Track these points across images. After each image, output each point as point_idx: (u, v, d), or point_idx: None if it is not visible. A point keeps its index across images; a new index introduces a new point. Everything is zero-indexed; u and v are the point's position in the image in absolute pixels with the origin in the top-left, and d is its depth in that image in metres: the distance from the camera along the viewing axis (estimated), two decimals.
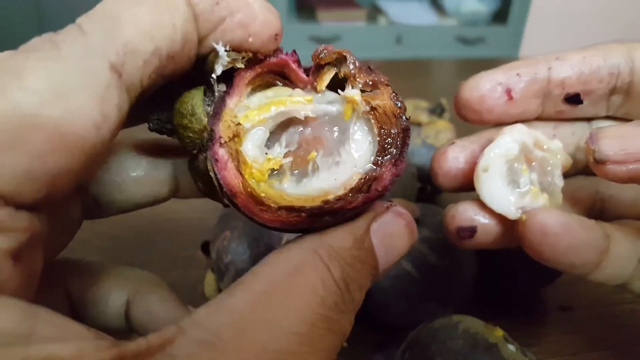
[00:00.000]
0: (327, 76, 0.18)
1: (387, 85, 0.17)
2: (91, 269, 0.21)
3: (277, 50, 0.17)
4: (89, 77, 0.14)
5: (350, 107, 0.17)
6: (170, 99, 0.17)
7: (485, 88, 0.25)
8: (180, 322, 0.14)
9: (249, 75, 0.17)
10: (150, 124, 0.18)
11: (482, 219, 0.24)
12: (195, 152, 0.17)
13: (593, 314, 0.39)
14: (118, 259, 0.42)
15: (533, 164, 0.24)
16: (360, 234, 0.17)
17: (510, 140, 0.23)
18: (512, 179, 0.23)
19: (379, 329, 0.36)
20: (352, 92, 0.17)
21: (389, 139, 0.17)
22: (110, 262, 0.22)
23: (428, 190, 0.47)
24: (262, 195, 0.16)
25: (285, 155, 0.17)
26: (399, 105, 0.17)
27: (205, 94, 0.17)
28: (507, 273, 0.37)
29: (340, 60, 0.17)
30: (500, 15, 2.01)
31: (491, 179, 0.23)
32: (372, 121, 0.17)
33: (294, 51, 0.18)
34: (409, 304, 0.33)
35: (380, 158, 0.17)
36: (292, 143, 0.18)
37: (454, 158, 0.25)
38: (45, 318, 0.13)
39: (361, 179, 0.17)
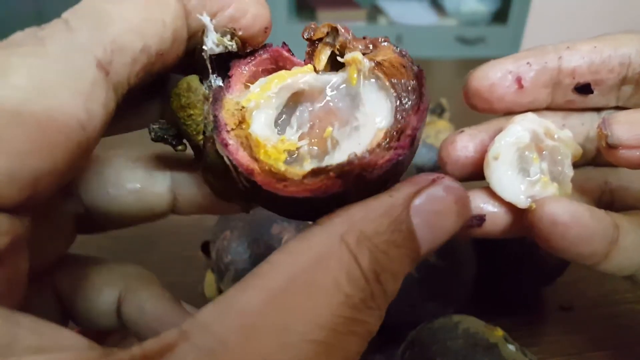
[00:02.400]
0: (324, 54, 0.17)
1: (386, 41, 0.17)
2: (81, 264, 0.21)
3: (267, 46, 0.17)
4: (74, 74, 0.13)
5: (354, 69, 0.16)
6: (163, 107, 0.17)
7: (496, 76, 0.24)
8: (184, 325, 0.13)
9: (245, 74, 0.17)
10: (152, 134, 0.17)
11: (491, 208, 0.24)
12: (201, 138, 0.16)
13: (593, 314, 0.39)
14: (118, 258, 0.42)
15: (544, 153, 0.24)
16: (398, 214, 0.15)
17: (521, 129, 0.23)
18: (522, 167, 0.23)
19: (379, 329, 0.36)
20: (353, 54, 0.16)
21: (403, 89, 0.16)
22: (100, 256, 0.21)
23: None
24: (283, 169, 0.15)
25: (300, 138, 0.16)
26: (404, 54, 0.16)
27: (200, 80, 0.16)
28: (507, 273, 0.37)
29: (333, 33, 0.17)
30: (500, 15, 2.01)
31: (501, 167, 0.23)
32: (381, 76, 0.16)
33: (284, 43, 0.17)
34: (409, 304, 0.33)
35: (400, 108, 0.16)
36: (303, 123, 0.17)
37: (463, 147, 0.24)
38: (28, 326, 0.12)
39: (386, 132, 0.16)
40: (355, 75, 0.16)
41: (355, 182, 0.15)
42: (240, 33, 0.17)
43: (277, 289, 0.13)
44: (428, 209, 0.15)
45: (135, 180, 0.19)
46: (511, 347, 0.26)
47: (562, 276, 0.38)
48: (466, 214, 0.17)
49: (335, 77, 0.17)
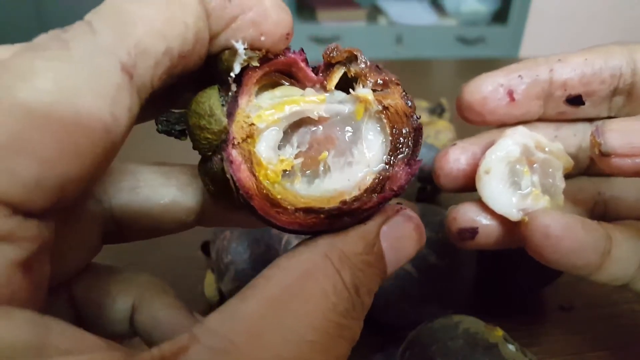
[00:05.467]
0: (337, 75, 0.17)
1: (398, 84, 0.17)
2: (96, 272, 0.21)
3: (285, 49, 0.17)
4: (100, 78, 0.13)
5: (362, 106, 0.17)
6: (172, 99, 0.17)
7: (487, 90, 0.25)
8: (193, 330, 0.14)
9: (258, 74, 0.17)
10: (159, 126, 0.17)
11: (483, 220, 0.24)
12: (210, 153, 0.16)
13: (593, 314, 0.39)
14: (118, 258, 0.42)
15: (534, 165, 0.24)
16: (371, 238, 0.17)
17: (511, 143, 0.23)
18: (513, 180, 0.23)
19: (379, 329, 0.36)
20: (365, 92, 0.17)
21: (401, 139, 0.17)
22: (116, 264, 0.22)
23: (428, 190, 0.47)
24: (278, 196, 0.16)
25: (296, 156, 0.17)
26: (409, 104, 0.17)
27: (219, 93, 0.16)
28: (507, 273, 0.37)
29: (351, 59, 0.17)
30: (500, 16, 2.01)
31: (493, 180, 0.23)
32: (385, 120, 0.17)
33: (302, 49, 0.17)
34: (409, 304, 0.33)
35: (393, 157, 0.17)
36: (303, 143, 0.17)
37: (455, 159, 0.25)
38: (58, 329, 0.13)
39: (375, 178, 0.17)
40: (362, 112, 0.17)
41: (339, 223, 0.17)
42: (262, 39, 0.16)
43: (274, 298, 0.15)
44: (393, 234, 0.17)
45: (168, 195, 0.20)
46: (511, 347, 0.26)
47: (562, 276, 0.38)
48: (422, 239, 0.19)
49: (344, 109, 0.17)
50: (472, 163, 0.25)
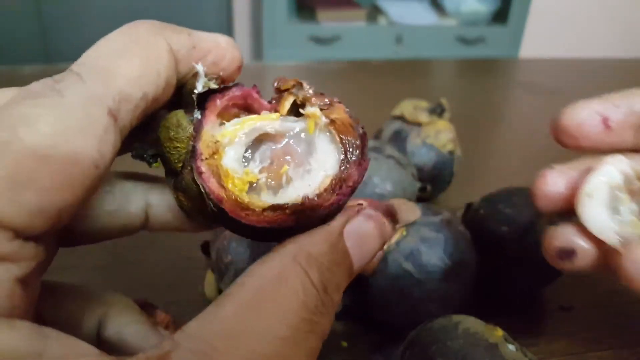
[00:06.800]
0: (287, 102, 0.20)
1: (340, 103, 0.20)
2: (63, 291, 0.22)
3: (240, 84, 0.20)
4: (90, 122, 0.16)
5: (312, 121, 0.20)
6: (146, 131, 0.19)
7: (583, 116, 0.26)
8: (174, 337, 0.15)
9: (218, 107, 0.19)
10: (133, 152, 0.20)
11: (581, 243, 0.25)
12: (180, 166, 0.19)
13: (593, 314, 0.39)
14: (118, 258, 0.42)
15: (634, 194, 0.24)
16: (335, 238, 0.19)
17: (614, 169, 0.24)
18: (614, 206, 0.24)
19: (379, 329, 0.36)
20: (313, 110, 0.20)
21: (350, 145, 0.19)
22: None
23: (428, 190, 0.47)
24: (246, 200, 0.18)
25: (260, 171, 0.20)
26: (353, 117, 0.20)
27: (185, 114, 0.19)
28: (507, 273, 0.37)
29: (298, 87, 0.20)
30: (500, 15, 2.01)
31: (594, 204, 0.24)
32: (333, 131, 0.20)
33: (255, 85, 0.20)
34: (409, 304, 0.33)
35: (345, 161, 0.19)
36: (264, 159, 0.20)
37: (553, 183, 0.26)
38: (55, 337, 0.15)
39: (332, 180, 0.19)
40: (313, 127, 0.20)
41: (304, 218, 0.18)
42: (221, 74, 0.20)
43: (248, 301, 0.16)
44: (356, 233, 0.19)
45: (113, 203, 0.21)
46: (511, 347, 0.26)
47: (562, 276, 0.38)
48: (384, 235, 0.20)
49: (296, 125, 0.20)
50: (569, 187, 0.25)
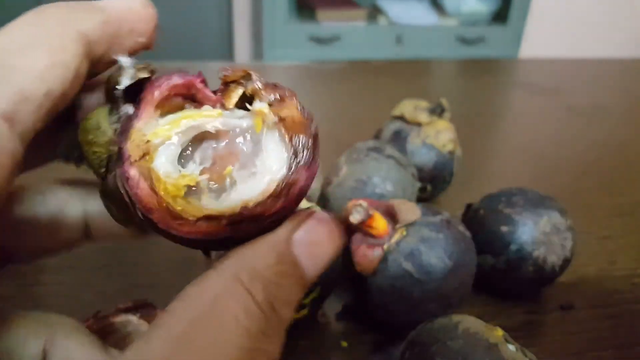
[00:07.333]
0: (235, 94, 0.18)
1: (293, 96, 0.18)
2: (3, 318, 0.20)
3: (182, 72, 0.18)
4: None
5: (260, 119, 0.18)
6: (70, 125, 0.17)
7: None
8: None
9: (156, 98, 0.17)
10: (59, 152, 0.18)
11: None
12: (103, 171, 0.17)
13: (593, 314, 0.39)
14: (118, 258, 0.42)
15: None
16: (282, 248, 0.17)
17: None
18: None
19: (379, 329, 0.36)
20: (260, 105, 0.17)
21: (300, 146, 0.17)
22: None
23: (428, 190, 0.47)
24: (179, 208, 0.16)
25: (202, 173, 0.17)
26: (305, 115, 0.18)
27: (110, 112, 0.17)
28: (507, 273, 0.37)
29: (246, 77, 0.18)
30: (500, 15, 2.01)
31: None
32: (282, 130, 0.17)
33: (200, 72, 0.18)
34: (409, 304, 0.33)
35: (294, 163, 0.17)
36: (206, 159, 0.18)
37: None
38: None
39: (278, 184, 0.17)
40: (260, 125, 0.18)
41: (244, 229, 0.16)
42: (140, 40, 0.17)
43: (180, 335, 0.14)
44: (306, 240, 0.17)
45: (46, 215, 0.19)
46: (511, 347, 0.26)
47: (562, 276, 0.38)
48: (337, 241, 0.18)
49: (242, 122, 0.18)
50: None
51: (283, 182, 0.17)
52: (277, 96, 0.18)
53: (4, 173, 0.14)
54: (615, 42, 2.19)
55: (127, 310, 0.33)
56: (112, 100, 0.17)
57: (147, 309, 0.34)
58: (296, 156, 0.17)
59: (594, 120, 0.75)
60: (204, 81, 0.18)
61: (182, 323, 0.14)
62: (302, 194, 0.17)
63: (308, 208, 0.18)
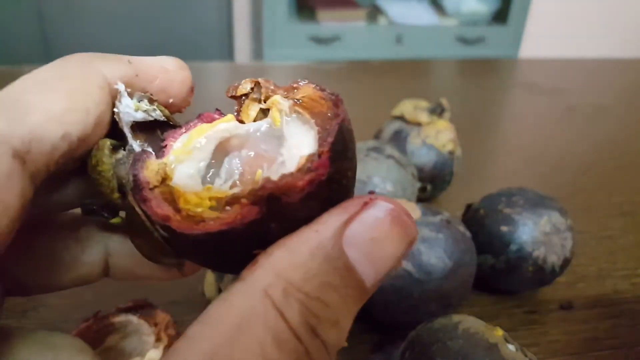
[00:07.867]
0: (251, 109, 0.17)
1: (308, 82, 0.17)
2: (7, 336, 0.19)
3: (200, 115, 0.17)
4: None
5: (275, 111, 0.17)
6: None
7: None
8: None
9: (178, 147, 0.17)
10: (82, 208, 0.18)
11: None
12: (118, 198, 0.16)
13: (593, 314, 0.39)
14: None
15: None
16: (328, 251, 0.13)
17: None
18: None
19: (379, 329, 0.36)
20: (272, 98, 0.17)
21: (325, 118, 0.15)
22: (33, 328, 0.20)
23: (428, 190, 0.47)
24: (200, 211, 0.14)
25: (232, 186, 0.16)
26: (322, 89, 0.16)
27: (120, 146, 0.17)
28: (507, 272, 0.37)
29: (257, 88, 0.17)
30: (500, 15, 2.01)
31: None
32: (301, 111, 0.16)
33: (217, 109, 0.18)
34: (409, 304, 0.33)
35: (323, 135, 0.15)
36: (233, 172, 0.17)
37: None
38: None
39: (310, 155, 0.14)
40: (277, 117, 0.16)
41: (275, 208, 0.13)
42: (170, 101, 0.17)
43: None
44: (364, 237, 0.13)
45: (67, 255, 0.19)
46: (511, 347, 0.26)
47: (562, 276, 0.38)
48: (410, 233, 0.14)
49: (260, 124, 0.17)
50: None
51: (314, 154, 0.14)
52: (290, 88, 0.17)
53: (12, 212, 0.13)
54: (615, 42, 2.19)
55: (127, 310, 0.34)
56: (120, 135, 0.16)
57: (147, 309, 0.34)
58: (323, 127, 0.15)
59: (594, 120, 0.75)
60: (221, 113, 0.18)
61: (199, 356, 0.12)
62: (335, 153, 0.14)
63: (371, 192, 0.15)
